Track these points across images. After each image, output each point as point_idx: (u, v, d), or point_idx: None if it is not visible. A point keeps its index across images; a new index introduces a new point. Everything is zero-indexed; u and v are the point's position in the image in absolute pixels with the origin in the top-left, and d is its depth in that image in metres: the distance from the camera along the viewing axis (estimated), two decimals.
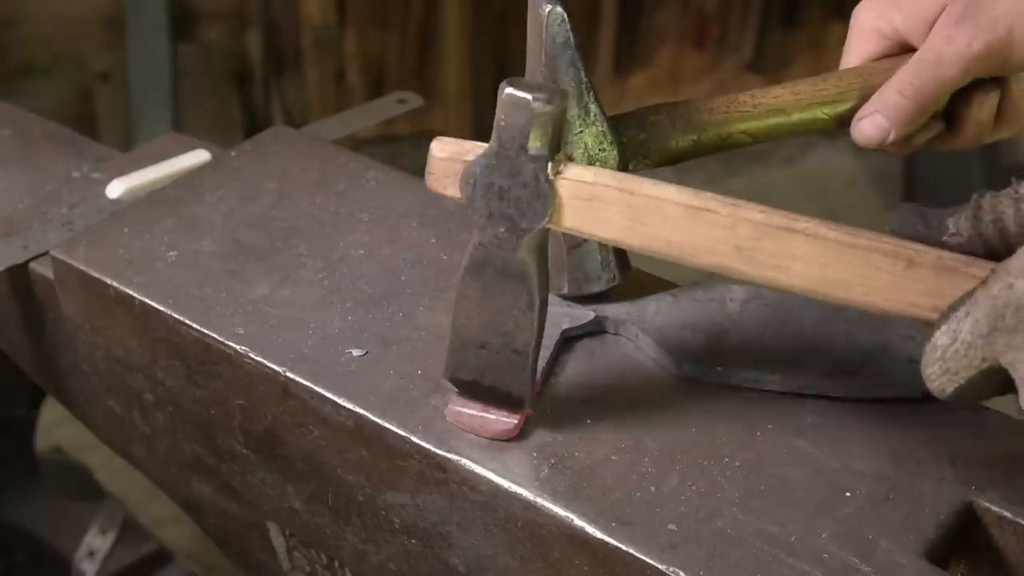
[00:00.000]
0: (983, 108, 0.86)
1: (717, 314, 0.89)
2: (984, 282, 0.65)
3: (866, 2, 0.91)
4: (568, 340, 0.89)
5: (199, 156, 1.13)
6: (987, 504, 0.77)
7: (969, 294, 0.66)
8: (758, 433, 0.81)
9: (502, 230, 0.75)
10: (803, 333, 0.87)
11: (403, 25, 3.16)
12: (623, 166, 0.86)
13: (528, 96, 0.72)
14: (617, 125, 0.86)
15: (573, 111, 0.83)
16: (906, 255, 0.69)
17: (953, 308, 0.67)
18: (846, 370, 0.84)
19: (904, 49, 0.88)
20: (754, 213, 0.71)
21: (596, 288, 0.89)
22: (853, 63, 0.90)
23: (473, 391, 0.81)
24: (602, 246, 0.87)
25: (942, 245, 0.71)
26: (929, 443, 0.81)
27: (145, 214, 1.02)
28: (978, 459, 0.79)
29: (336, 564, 0.97)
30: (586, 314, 0.90)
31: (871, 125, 0.85)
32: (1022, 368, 0.63)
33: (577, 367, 0.87)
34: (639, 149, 0.87)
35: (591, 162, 0.85)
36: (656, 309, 0.90)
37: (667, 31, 3.48)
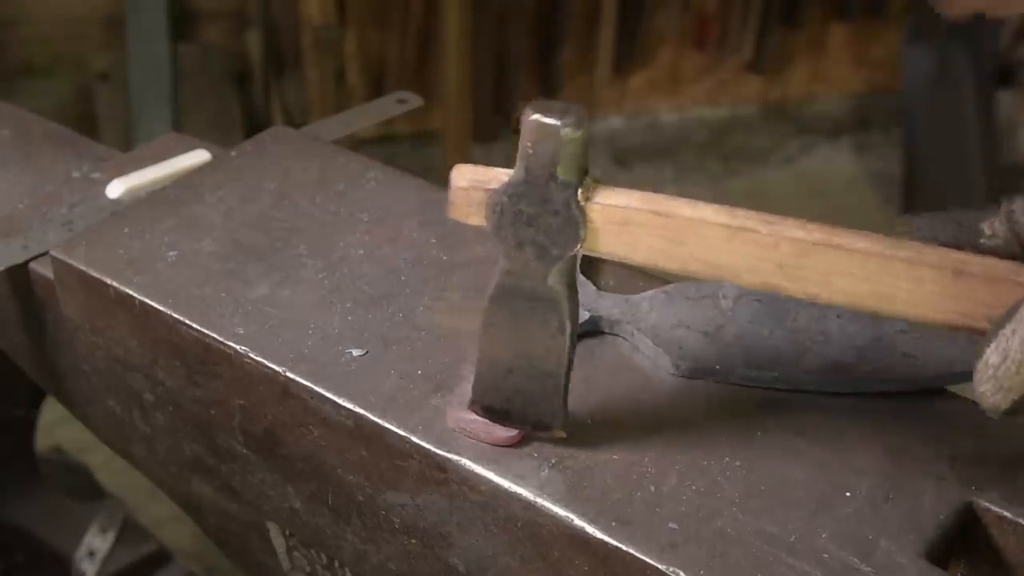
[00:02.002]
0: None
1: (711, 311, 0.89)
2: None
3: None
4: None
5: (199, 156, 1.13)
6: (987, 504, 0.77)
7: (1015, 308, 0.65)
8: (758, 433, 0.81)
9: (532, 258, 0.74)
10: (798, 329, 0.87)
11: (403, 25, 3.16)
12: None
13: (557, 123, 0.71)
14: None
15: None
16: (951, 265, 0.68)
17: (1000, 324, 0.66)
18: (842, 365, 0.84)
19: None
20: (795, 231, 0.70)
21: None
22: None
23: (502, 418, 0.80)
24: None
25: (977, 249, 0.70)
26: (929, 443, 0.81)
27: (145, 214, 1.02)
28: (978, 459, 0.79)
29: (336, 564, 0.97)
30: (581, 314, 0.90)
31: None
32: None
33: (576, 367, 0.87)
34: None
35: None
36: (650, 307, 0.90)
37: (667, 31, 3.48)
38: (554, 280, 0.75)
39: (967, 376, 0.83)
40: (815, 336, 0.87)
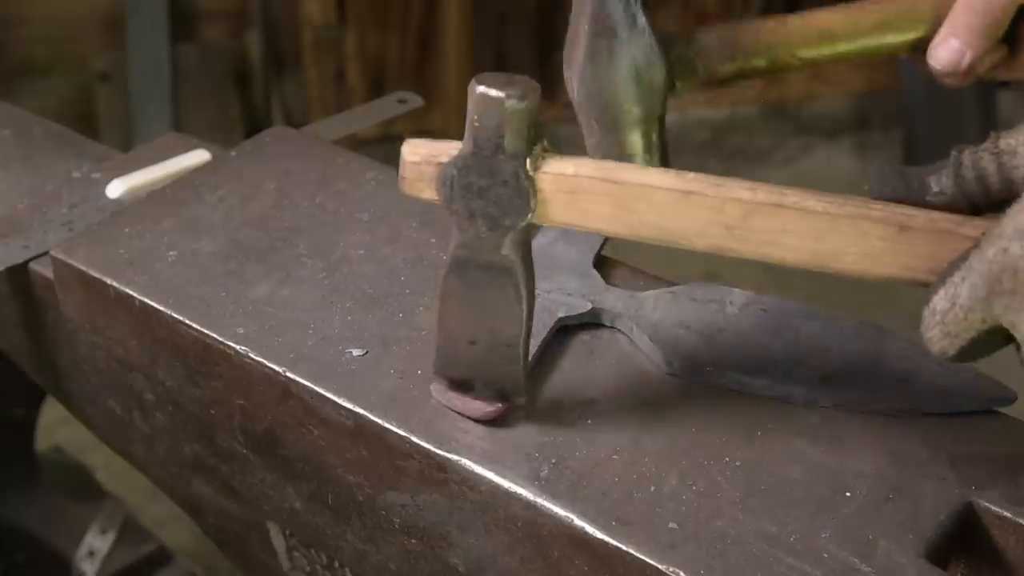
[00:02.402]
0: None
1: (715, 315, 0.89)
2: (978, 245, 0.65)
3: None
4: (564, 331, 0.89)
5: (199, 156, 1.13)
6: (987, 504, 0.77)
7: (963, 257, 0.66)
8: (758, 433, 0.81)
9: (484, 229, 0.74)
10: (798, 342, 0.87)
11: (403, 25, 3.16)
12: (670, 83, 0.84)
13: (501, 94, 0.71)
14: (664, 41, 0.83)
15: (618, 16, 0.80)
16: (897, 220, 0.69)
17: (948, 272, 0.67)
18: (834, 381, 0.84)
19: None
20: (741, 191, 0.71)
21: None
22: None
23: (463, 387, 0.81)
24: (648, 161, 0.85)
25: (926, 204, 0.71)
26: (929, 443, 0.81)
27: (145, 214, 1.02)
28: (978, 459, 0.79)
29: (336, 564, 0.97)
30: (583, 304, 0.90)
31: (947, 50, 0.81)
32: (1023, 327, 0.63)
33: (577, 364, 0.87)
34: (686, 67, 0.84)
35: (638, 76, 0.82)
36: (654, 305, 0.90)
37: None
38: (508, 250, 0.75)
39: (966, 404, 0.83)
40: (813, 350, 0.87)
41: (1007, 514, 0.76)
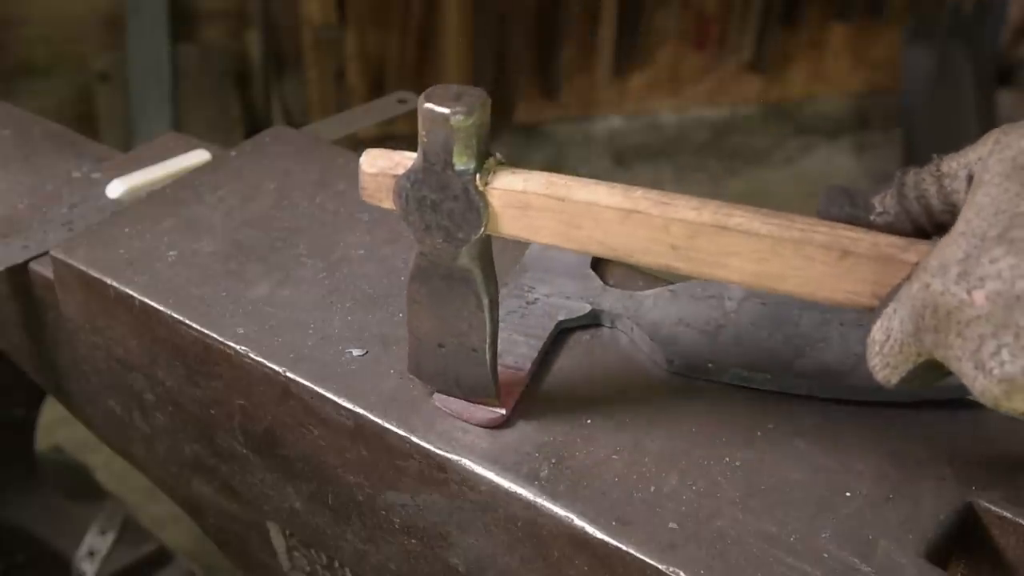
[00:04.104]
0: None
1: (713, 311, 0.90)
2: (908, 278, 0.65)
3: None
4: (564, 332, 0.89)
5: (199, 156, 1.13)
6: (987, 504, 0.77)
7: (896, 288, 0.66)
8: (758, 433, 0.81)
9: (440, 240, 0.74)
10: (797, 334, 0.88)
11: (403, 25, 3.16)
12: None
13: (446, 111, 0.70)
14: None
15: None
16: (840, 244, 0.69)
17: (885, 301, 0.66)
18: (837, 372, 0.84)
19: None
20: (686, 212, 0.70)
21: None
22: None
23: (439, 385, 0.82)
24: None
25: (870, 225, 0.71)
26: (929, 443, 0.81)
27: (145, 214, 1.02)
28: (978, 459, 0.79)
29: (336, 564, 0.97)
30: (582, 307, 0.90)
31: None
32: (954, 364, 0.62)
33: (576, 364, 0.87)
34: None
35: None
36: (653, 304, 0.90)
37: (667, 31, 3.48)
38: (465, 260, 0.75)
39: (963, 390, 0.83)
40: (814, 341, 0.87)
41: (1007, 514, 0.76)
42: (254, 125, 3.08)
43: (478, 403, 0.81)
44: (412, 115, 1.30)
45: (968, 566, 0.80)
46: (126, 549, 1.69)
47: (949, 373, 0.66)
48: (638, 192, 0.72)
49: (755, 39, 3.54)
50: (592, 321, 0.90)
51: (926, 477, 0.78)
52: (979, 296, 0.60)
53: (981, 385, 0.61)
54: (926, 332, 0.63)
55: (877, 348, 0.67)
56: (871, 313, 0.68)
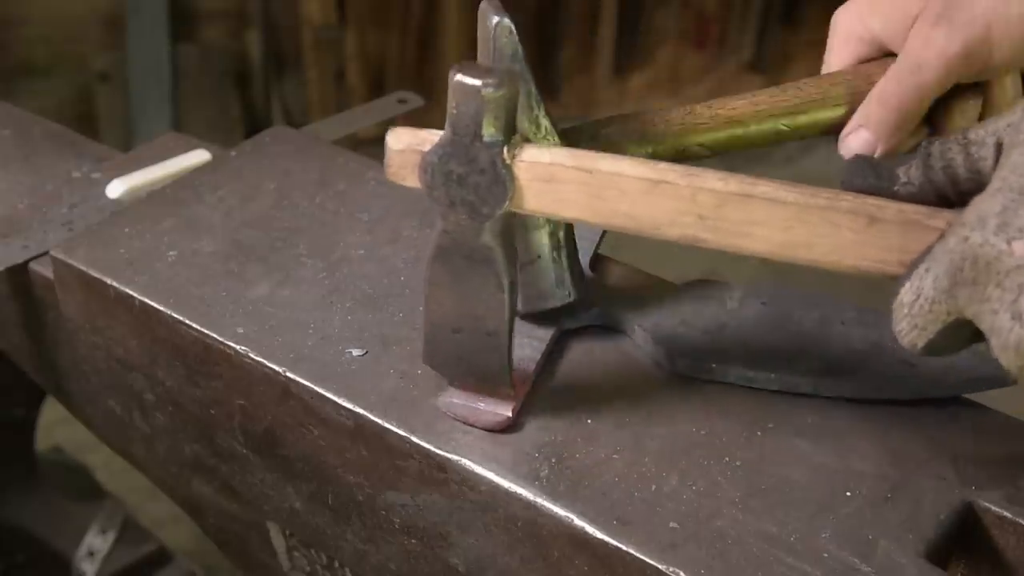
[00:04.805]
0: (965, 116, 0.84)
1: (715, 311, 0.90)
2: (942, 236, 0.65)
3: (845, 6, 0.87)
4: (566, 334, 0.89)
5: (199, 156, 1.13)
6: (987, 504, 0.77)
7: (929, 248, 0.66)
8: (758, 433, 0.81)
9: (464, 216, 0.75)
10: (800, 332, 0.88)
11: (403, 25, 3.16)
12: None
13: (478, 82, 0.71)
14: (570, 138, 0.84)
15: (524, 124, 0.81)
16: (867, 211, 0.69)
17: (915, 264, 0.67)
18: (840, 371, 0.84)
19: (885, 53, 0.86)
20: (713, 181, 0.71)
21: (550, 305, 0.87)
22: (834, 69, 0.88)
23: (452, 375, 0.82)
24: (556, 263, 0.86)
25: (895, 196, 0.71)
26: (929, 443, 0.81)
27: (145, 214, 1.02)
28: (978, 459, 0.79)
29: (336, 564, 0.97)
30: (583, 308, 0.90)
31: (857, 140, 0.83)
32: (987, 320, 0.62)
33: (577, 365, 0.87)
34: None
35: None
36: (655, 305, 0.90)
37: (667, 31, 3.48)
38: (488, 238, 0.75)
39: (966, 386, 0.84)
40: (816, 340, 0.87)
41: (1007, 514, 0.76)
42: (254, 125, 3.08)
43: (490, 396, 0.81)
44: (412, 115, 1.31)
45: (968, 566, 0.80)
46: (126, 549, 1.69)
47: (975, 338, 0.66)
48: (663, 164, 0.72)
49: (755, 39, 3.54)
50: (594, 321, 0.90)
51: (926, 477, 0.78)
52: (1019, 246, 0.60)
53: (1017, 336, 0.60)
54: (962, 286, 0.63)
55: (905, 310, 0.67)
56: (896, 280, 0.68)
